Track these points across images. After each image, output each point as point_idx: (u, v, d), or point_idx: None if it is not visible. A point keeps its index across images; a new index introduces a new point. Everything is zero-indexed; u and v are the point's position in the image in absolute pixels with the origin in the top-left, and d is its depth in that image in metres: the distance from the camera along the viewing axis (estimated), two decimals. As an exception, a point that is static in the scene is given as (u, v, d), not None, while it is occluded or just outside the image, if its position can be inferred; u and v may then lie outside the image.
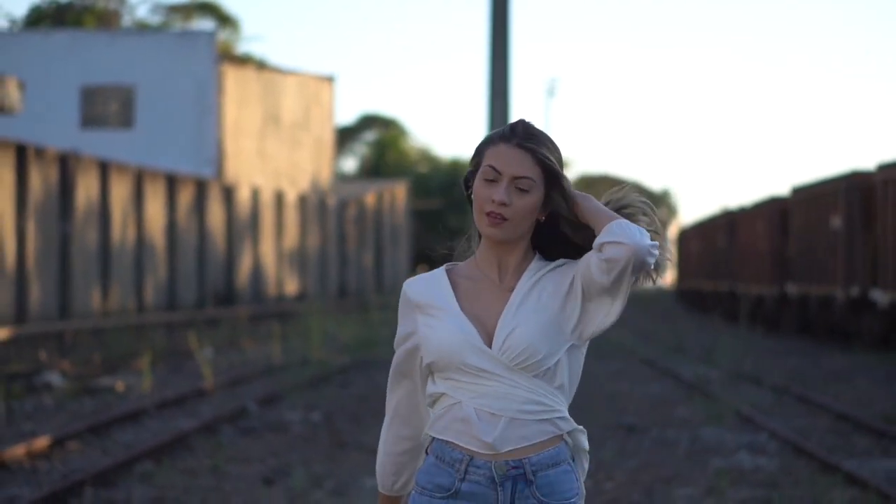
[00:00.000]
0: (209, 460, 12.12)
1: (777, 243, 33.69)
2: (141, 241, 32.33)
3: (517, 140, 3.51)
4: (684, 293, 55.90)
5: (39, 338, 25.40)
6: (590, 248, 3.55)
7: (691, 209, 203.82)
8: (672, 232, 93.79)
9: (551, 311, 3.52)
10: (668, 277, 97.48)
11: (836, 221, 27.66)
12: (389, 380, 3.71)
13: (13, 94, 23.67)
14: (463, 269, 3.65)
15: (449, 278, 3.62)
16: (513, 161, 3.49)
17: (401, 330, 3.66)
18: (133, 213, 31.99)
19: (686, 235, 57.47)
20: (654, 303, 58.26)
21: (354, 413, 15.87)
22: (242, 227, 40.42)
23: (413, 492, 3.62)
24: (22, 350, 23.72)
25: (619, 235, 3.45)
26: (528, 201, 3.50)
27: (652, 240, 3.55)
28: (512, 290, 3.55)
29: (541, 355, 3.48)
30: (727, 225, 41.81)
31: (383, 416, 3.79)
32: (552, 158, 3.53)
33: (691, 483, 11.16)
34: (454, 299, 3.57)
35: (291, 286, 44.83)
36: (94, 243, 29.64)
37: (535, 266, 3.58)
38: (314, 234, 47.72)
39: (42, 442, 12.54)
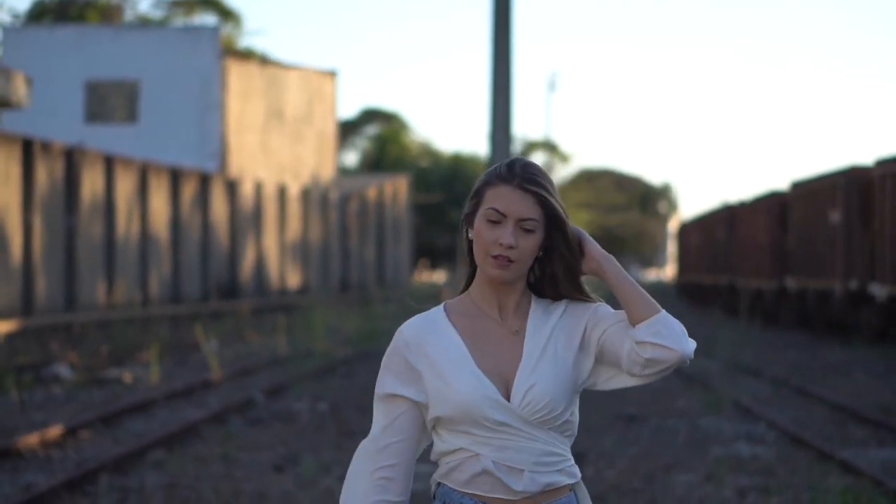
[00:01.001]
0: (219, 449, 12.39)
1: (776, 237, 33.90)
2: (145, 235, 32.57)
3: (518, 181, 3.47)
4: (684, 287, 56.12)
5: (46, 330, 25.66)
6: (571, 292, 3.54)
7: (692, 203, 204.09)
8: (672, 226, 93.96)
9: (567, 366, 3.50)
10: (669, 271, 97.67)
11: (835, 216, 27.88)
12: (377, 439, 3.52)
13: (21, 89, 23.88)
14: (459, 306, 3.57)
15: (450, 320, 3.54)
16: (515, 203, 3.46)
17: (399, 376, 3.51)
18: (138, 206, 32.22)
19: (686, 229, 57.69)
20: (655, 296, 58.34)
21: (360, 403, 16.12)
22: (245, 221, 40.66)
23: None
24: (29, 342, 23.98)
25: (667, 339, 3.45)
26: (532, 242, 3.47)
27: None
28: (516, 332, 3.52)
29: (559, 410, 3.47)
30: (727, 219, 42.02)
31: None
32: (553, 199, 3.50)
33: (690, 470, 11.42)
34: (465, 348, 3.50)
35: (294, 280, 45.08)
36: (100, 237, 29.88)
37: (538, 308, 3.56)
38: (317, 228, 47.96)
39: (55, 431, 12.80)
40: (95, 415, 14.21)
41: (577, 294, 3.56)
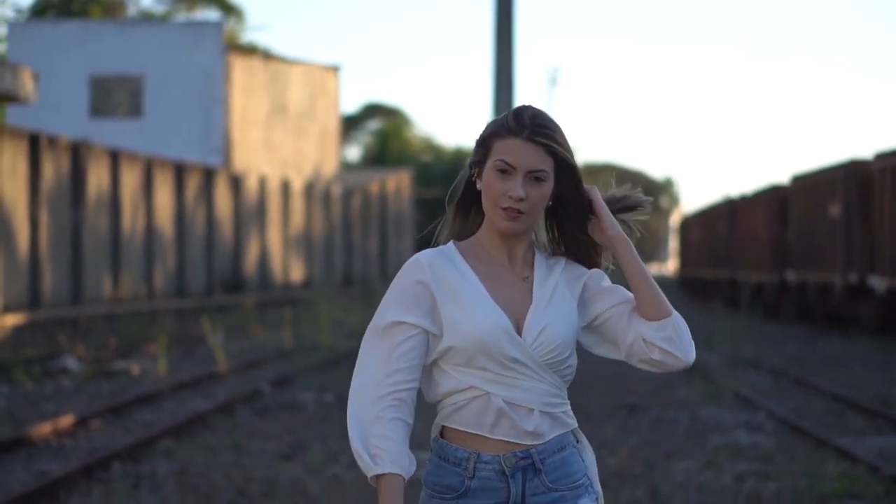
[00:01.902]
0: (228, 438, 12.61)
1: (777, 231, 34.11)
2: (150, 229, 32.77)
3: (527, 133, 3.43)
4: (686, 280, 56.33)
5: (53, 323, 25.88)
6: (576, 234, 3.55)
7: (694, 197, 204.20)
8: (674, 220, 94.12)
9: (573, 313, 3.53)
10: (671, 265, 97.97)
11: (835, 209, 28.09)
12: (385, 363, 3.45)
13: (28, 84, 24.10)
14: (471, 249, 3.54)
15: (464, 258, 3.52)
16: (525, 155, 3.42)
17: (406, 310, 3.48)
18: (143, 201, 32.42)
19: (688, 223, 57.89)
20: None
21: (365, 394, 16.33)
22: (249, 216, 40.86)
23: (424, 494, 3.53)
24: (36, 335, 24.21)
25: (677, 348, 3.50)
26: (542, 191, 3.46)
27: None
28: (525, 279, 3.53)
29: (567, 353, 3.50)
30: (728, 213, 42.22)
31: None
32: (564, 148, 3.47)
33: (690, 457, 11.64)
34: (480, 283, 3.48)
35: (297, 274, 45.28)
36: (105, 231, 30.09)
37: (540, 259, 3.57)
38: (320, 223, 48.17)
39: (66, 421, 13.04)
40: (105, 405, 14.45)
41: (581, 235, 3.56)
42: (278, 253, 43.31)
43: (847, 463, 11.08)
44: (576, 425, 3.59)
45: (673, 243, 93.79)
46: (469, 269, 3.49)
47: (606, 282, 3.59)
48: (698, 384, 17.59)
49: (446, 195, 3.68)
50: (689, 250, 56.32)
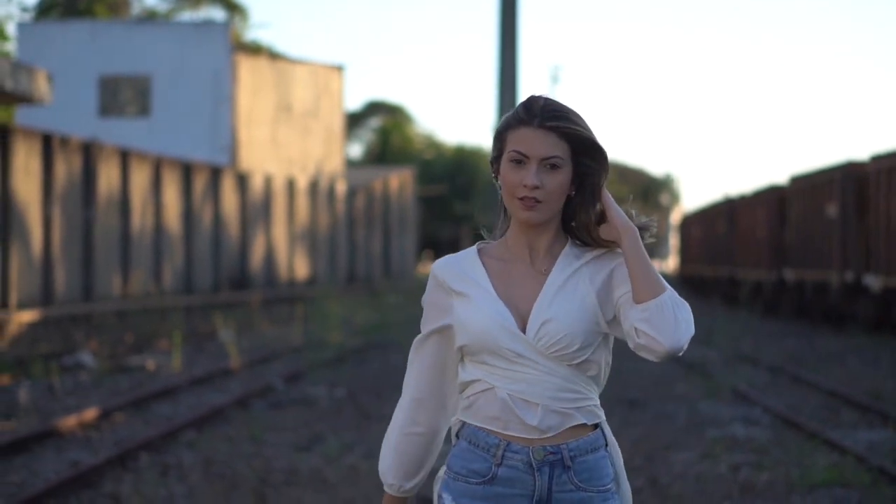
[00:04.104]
0: (246, 430, 13.15)
1: (775, 230, 34.54)
2: (159, 228, 33.25)
3: (538, 121, 3.42)
4: (686, 278, 56.78)
5: (66, 319, 26.40)
6: (591, 204, 3.48)
7: (694, 196, 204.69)
8: (675, 218, 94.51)
9: (589, 304, 3.44)
10: (671, 263, 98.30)
11: (832, 209, 28.55)
12: (411, 360, 3.60)
13: (43, 85, 24.63)
14: (494, 249, 3.54)
15: (480, 259, 3.52)
16: (537, 143, 3.40)
17: (430, 312, 3.55)
18: (152, 200, 32.89)
19: (688, 222, 58.33)
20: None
21: (375, 389, 16.86)
22: (255, 214, 41.32)
23: (446, 477, 3.53)
24: (50, 331, 24.73)
25: (657, 329, 3.36)
26: (559, 178, 3.42)
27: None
28: (545, 273, 3.48)
29: (576, 346, 3.42)
30: (727, 212, 42.66)
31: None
32: (577, 128, 3.45)
33: (688, 449, 12.17)
34: (488, 281, 3.47)
35: (302, 271, 45.76)
36: (116, 229, 30.57)
37: (570, 252, 3.51)
38: (324, 221, 48.63)
39: (91, 414, 13.58)
40: (126, 399, 14.98)
41: (589, 217, 3.49)
42: (283, 250, 43.78)
43: (837, 454, 11.62)
44: (600, 419, 3.54)
45: (673, 241, 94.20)
46: (480, 268, 3.50)
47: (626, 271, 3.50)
48: (697, 379, 18.09)
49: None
50: (689, 248, 56.78)
